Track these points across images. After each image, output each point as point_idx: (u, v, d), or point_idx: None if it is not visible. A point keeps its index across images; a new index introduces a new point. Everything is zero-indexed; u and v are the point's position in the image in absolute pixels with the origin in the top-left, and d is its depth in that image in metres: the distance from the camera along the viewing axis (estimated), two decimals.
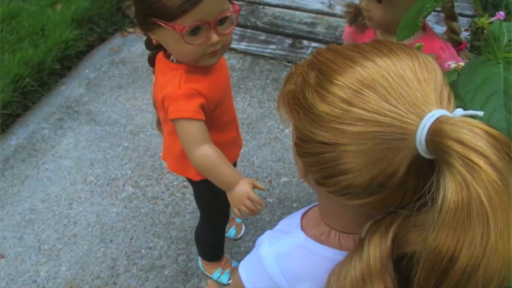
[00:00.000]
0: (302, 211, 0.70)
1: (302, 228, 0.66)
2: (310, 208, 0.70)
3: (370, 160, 0.48)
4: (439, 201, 0.43)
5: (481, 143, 0.42)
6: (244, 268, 0.69)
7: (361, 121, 0.48)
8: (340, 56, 0.53)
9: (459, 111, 0.47)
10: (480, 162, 0.42)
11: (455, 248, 0.42)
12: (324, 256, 0.62)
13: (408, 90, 0.48)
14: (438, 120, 0.45)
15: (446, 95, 0.49)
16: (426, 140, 0.45)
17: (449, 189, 0.43)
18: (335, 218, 0.63)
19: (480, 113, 0.47)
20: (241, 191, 1.02)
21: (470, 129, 0.43)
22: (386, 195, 0.50)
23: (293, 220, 0.68)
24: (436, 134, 0.44)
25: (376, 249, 0.50)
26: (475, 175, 0.42)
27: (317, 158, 0.52)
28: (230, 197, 1.05)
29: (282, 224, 0.71)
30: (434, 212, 0.44)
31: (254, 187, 1.04)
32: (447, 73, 0.78)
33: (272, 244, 0.66)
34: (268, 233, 0.69)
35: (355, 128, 0.48)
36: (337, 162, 0.50)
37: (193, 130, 1.03)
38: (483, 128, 0.43)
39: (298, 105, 0.54)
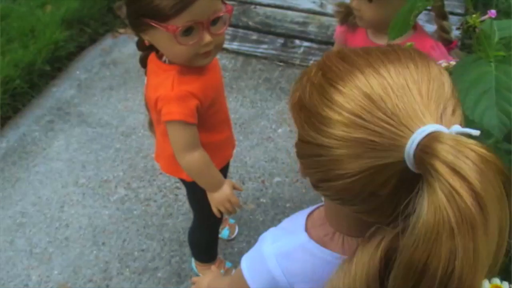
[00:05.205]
0: (308, 210, 0.70)
1: (306, 229, 0.66)
2: (317, 208, 0.70)
3: (362, 168, 0.48)
4: (414, 217, 0.44)
5: (467, 167, 0.42)
6: (246, 263, 0.71)
7: (355, 129, 0.48)
8: (346, 62, 0.53)
9: (456, 128, 0.46)
10: (461, 189, 0.42)
11: (426, 259, 0.43)
12: (325, 259, 0.63)
13: (406, 102, 0.47)
14: (430, 136, 0.45)
15: (450, 109, 0.49)
16: (415, 155, 0.45)
17: (424, 210, 0.43)
18: (339, 221, 0.64)
19: (477, 133, 0.45)
20: (223, 194, 1.12)
21: (459, 150, 0.43)
22: (379, 203, 0.51)
23: (298, 220, 0.69)
24: (425, 150, 0.44)
25: (366, 259, 0.51)
26: (451, 200, 0.42)
27: (312, 161, 0.53)
28: (212, 197, 1.14)
29: (287, 223, 0.72)
30: (410, 225, 0.45)
31: (234, 188, 1.15)
32: None
33: (275, 241, 0.67)
34: (272, 230, 0.70)
35: (348, 134, 0.49)
36: (330, 167, 0.51)
37: (185, 134, 1.04)
38: (475, 150, 0.43)
39: (301, 106, 0.54)
